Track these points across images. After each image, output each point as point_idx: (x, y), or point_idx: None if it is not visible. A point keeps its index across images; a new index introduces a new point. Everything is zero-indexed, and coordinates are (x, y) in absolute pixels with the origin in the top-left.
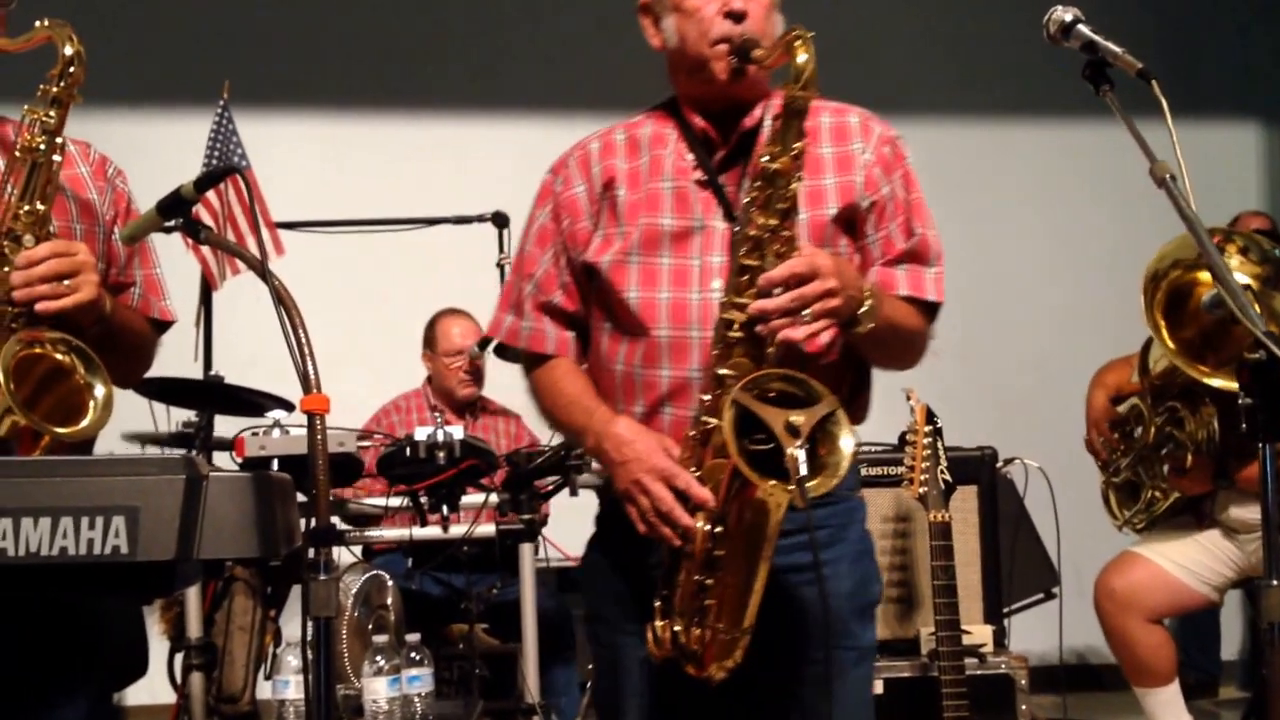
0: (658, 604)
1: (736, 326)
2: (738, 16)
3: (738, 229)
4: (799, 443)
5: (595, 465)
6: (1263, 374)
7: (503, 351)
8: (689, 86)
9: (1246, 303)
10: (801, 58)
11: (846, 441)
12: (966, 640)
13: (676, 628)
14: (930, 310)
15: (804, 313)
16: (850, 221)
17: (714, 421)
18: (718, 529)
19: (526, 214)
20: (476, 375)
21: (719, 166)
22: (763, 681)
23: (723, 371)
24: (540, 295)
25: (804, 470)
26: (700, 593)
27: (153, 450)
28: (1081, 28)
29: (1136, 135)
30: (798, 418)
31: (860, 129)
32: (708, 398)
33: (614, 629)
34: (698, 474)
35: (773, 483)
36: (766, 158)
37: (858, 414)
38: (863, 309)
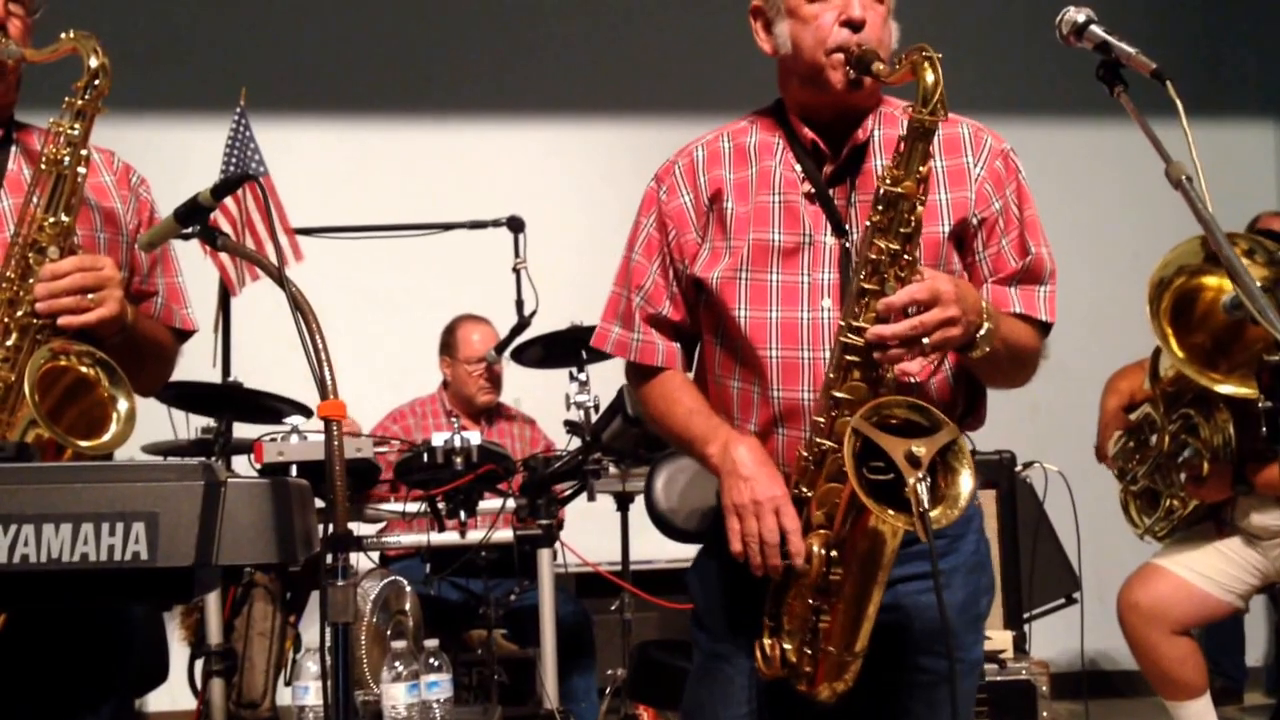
0: (767, 622)
1: (854, 350)
2: (856, 26)
3: (847, 244)
4: (920, 474)
5: (613, 470)
6: None
7: (519, 356)
8: (800, 94)
9: (1266, 304)
10: (930, 78)
11: (966, 471)
12: (987, 646)
13: (786, 646)
14: (1043, 329)
15: (924, 340)
16: (960, 237)
17: (828, 444)
18: (833, 553)
19: (630, 221)
20: (495, 381)
21: (828, 180)
22: (870, 691)
23: (838, 394)
24: (649, 307)
25: (926, 503)
26: (813, 615)
27: (173, 460)
28: (1094, 28)
29: (1151, 136)
30: (919, 448)
31: (972, 141)
32: (822, 420)
33: (716, 636)
34: (812, 496)
35: (892, 513)
36: (889, 181)
37: (975, 423)
38: (981, 332)
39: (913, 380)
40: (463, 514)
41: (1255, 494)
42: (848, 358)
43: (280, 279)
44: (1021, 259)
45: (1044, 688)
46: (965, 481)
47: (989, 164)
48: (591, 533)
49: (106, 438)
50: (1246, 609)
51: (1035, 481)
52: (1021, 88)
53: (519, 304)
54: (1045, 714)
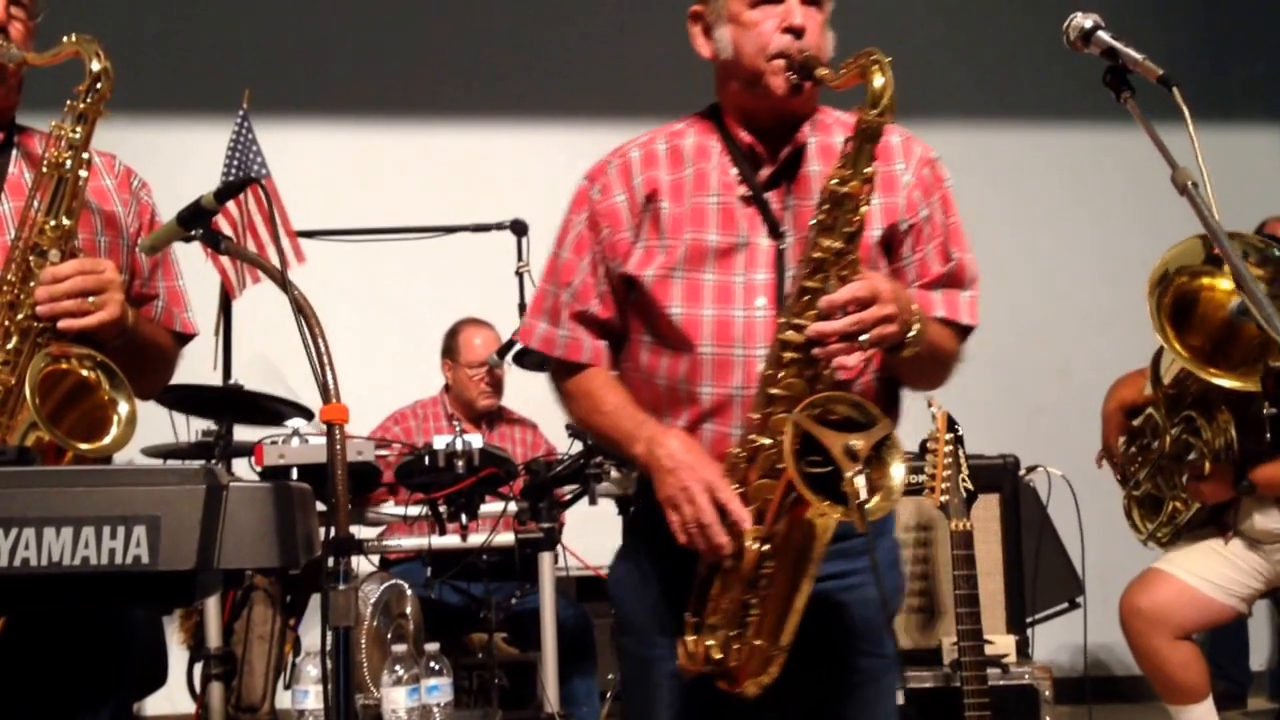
0: (689, 618)
1: (792, 347)
2: (797, 32)
3: (782, 246)
4: (858, 467)
5: (615, 474)
6: None
7: (522, 359)
8: (740, 99)
9: (1273, 311)
10: (879, 81)
11: (898, 464)
12: (989, 650)
13: (710, 642)
14: (964, 333)
15: (861, 337)
16: (889, 242)
17: (762, 440)
18: (765, 547)
19: (561, 219)
20: (497, 385)
21: (765, 183)
22: (793, 690)
23: (774, 391)
24: (576, 304)
25: (865, 495)
26: (743, 609)
27: (173, 463)
28: (1101, 34)
29: (1157, 142)
30: (857, 441)
31: (902, 149)
32: (756, 416)
33: (643, 641)
34: (742, 491)
35: (828, 504)
36: (836, 180)
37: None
38: (912, 333)
39: (840, 377)
40: (464, 517)
41: (1257, 494)
42: (786, 354)
43: (283, 282)
44: (945, 264)
45: (1046, 692)
46: (897, 473)
47: (918, 172)
48: (593, 536)
49: (107, 440)
50: (1249, 613)
51: (1039, 486)
52: (1029, 93)
53: (522, 307)
54: (1048, 718)
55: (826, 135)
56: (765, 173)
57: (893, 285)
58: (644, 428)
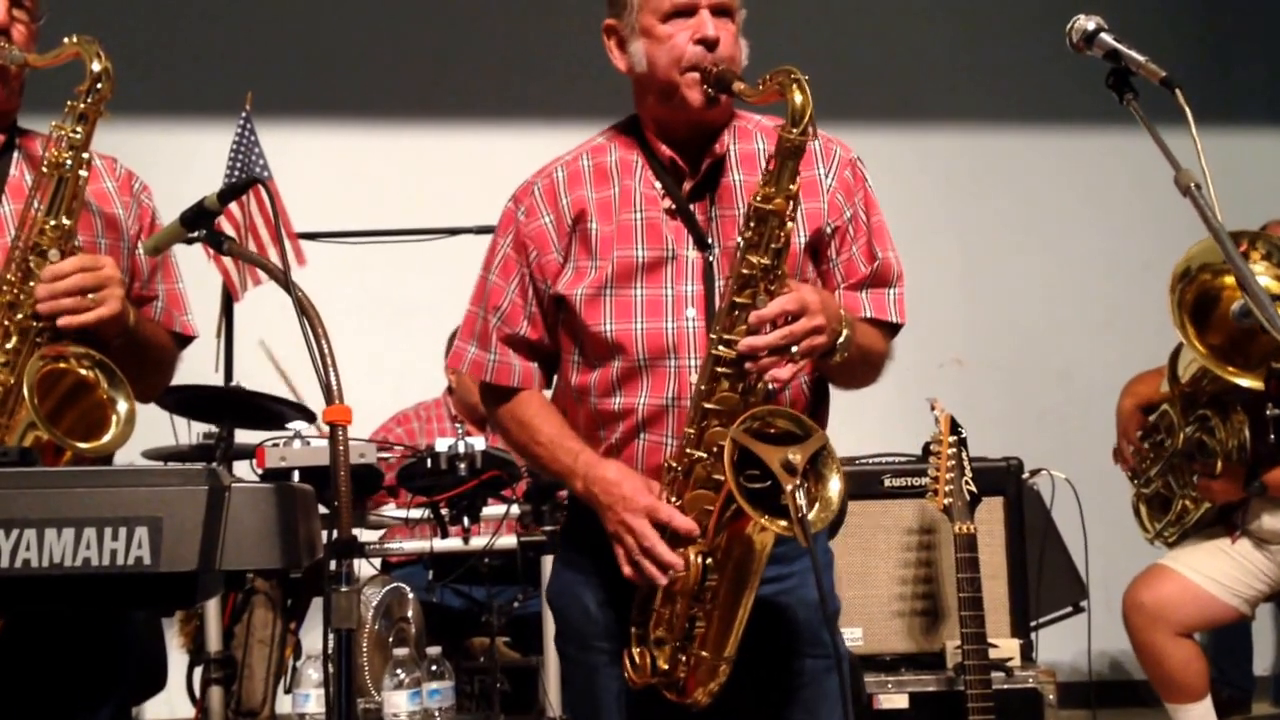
0: (634, 630)
1: (725, 362)
2: (710, 44)
3: (710, 257)
4: (796, 480)
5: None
6: None
7: None
8: (656, 111)
9: (1274, 311)
10: (798, 99)
11: (835, 476)
12: (993, 654)
13: (655, 654)
14: (892, 331)
15: (792, 349)
16: (815, 247)
17: (698, 454)
18: (709, 561)
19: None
20: None
21: (688, 196)
22: (737, 694)
23: (709, 406)
24: (505, 327)
25: (805, 508)
26: (688, 622)
27: (177, 465)
28: (1104, 36)
29: (1160, 144)
30: (795, 455)
31: (822, 153)
32: (692, 430)
33: (586, 648)
34: (679, 504)
35: (767, 518)
36: (760, 198)
37: (822, 426)
38: (840, 339)
39: (772, 388)
40: (466, 520)
41: (1267, 496)
42: (718, 369)
43: (287, 283)
44: (870, 264)
45: (1050, 696)
46: (834, 484)
47: (839, 174)
48: None
49: (105, 439)
50: (1253, 616)
51: (1043, 489)
52: (1033, 96)
53: None
54: None
55: (747, 142)
56: (687, 185)
57: (820, 295)
58: (579, 461)
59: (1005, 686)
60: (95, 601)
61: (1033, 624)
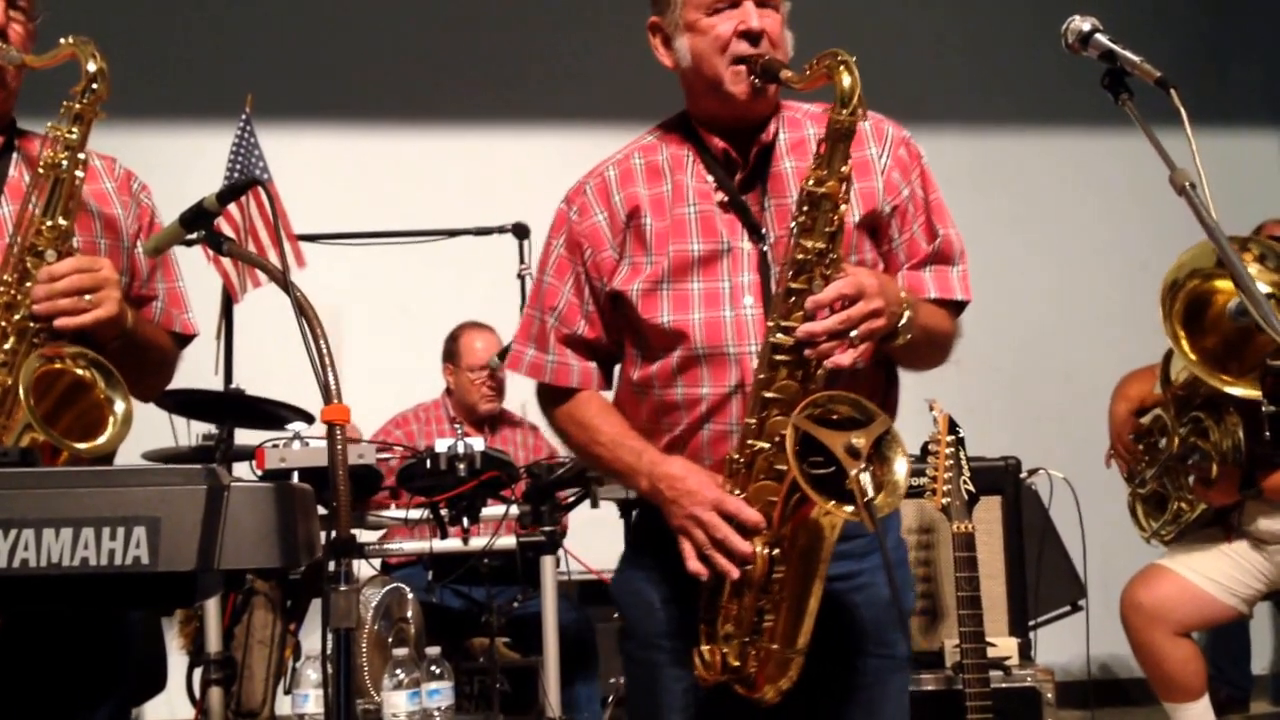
0: (703, 628)
1: (783, 350)
2: (754, 36)
3: (764, 248)
4: (861, 464)
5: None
6: None
7: None
8: (705, 105)
9: (1270, 310)
10: (847, 81)
11: (901, 464)
12: (992, 653)
13: (725, 650)
14: (958, 308)
15: (851, 334)
16: (874, 228)
17: (760, 445)
18: (775, 551)
19: (542, 242)
20: (499, 389)
21: (740, 187)
22: (805, 691)
23: (769, 395)
24: (563, 327)
25: (870, 492)
26: (758, 615)
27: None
28: (1100, 37)
29: (1155, 143)
30: (858, 439)
31: (874, 133)
32: (753, 421)
33: (648, 646)
34: (744, 496)
35: (834, 504)
36: (813, 182)
37: (890, 412)
38: (902, 321)
39: (856, 366)
40: (465, 521)
41: (1263, 498)
42: (777, 357)
43: (285, 283)
44: (931, 242)
45: (1049, 695)
46: (900, 468)
47: (893, 153)
48: (595, 540)
49: (102, 440)
50: (1250, 615)
51: (1041, 489)
52: (1032, 98)
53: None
54: None
55: (796, 130)
56: (739, 177)
57: (878, 278)
58: (643, 459)
59: (1004, 685)
60: (94, 601)
61: (1031, 623)
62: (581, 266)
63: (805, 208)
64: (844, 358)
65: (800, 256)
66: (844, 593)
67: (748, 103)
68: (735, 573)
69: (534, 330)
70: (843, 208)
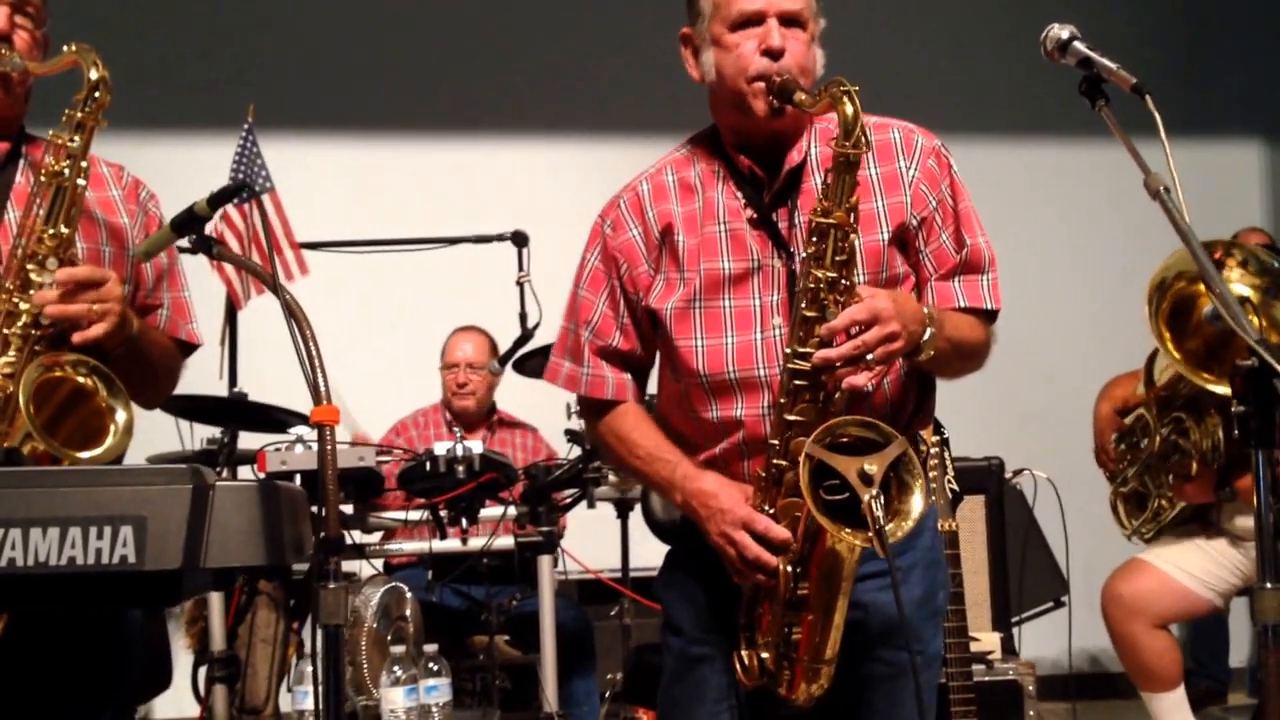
0: (743, 634)
1: (801, 375)
2: (775, 54)
3: (794, 266)
4: (874, 491)
5: (613, 478)
6: (1255, 381)
7: (522, 365)
8: (730, 120)
9: (1240, 311)
10: (849, 111)
11: (918, 485)
12: (975, 648)
13: (764, 655)
14: (990, 317)
15: (867, 358)
16: (902, 241)
17: (784, 464)
18: (798, 569)
19: (579, 257)
20: (469, 387)
21: (770, 204)
22: (834, 685)
23: (790, 417)
24: (598, 340)
25: (882, 520)
26: (785, 628)
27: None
28: (1078, 44)
29: (1131, 149)
30: (871, 465)
31: (903, 144)
32: (776, 442)
33: (691, 641)
34: (771, 512)
35: (847, 531)
36: (820, 213)
37: (924, 420)
38: (925, 338)
39: (868, 388)
40: (464, 521)
41: (1238, 498)
42: (795, 383)
43: (274, 285)
44: (960, 251)
45: (1030, 687)
46: (917, 499)
47: (922, 163)
48: (592, 540)
49: (102, 449)
50: (1227, 609)
51: (1025, 488)
52: (1013, 106)
53: (522, 317)
54: (1032, 713)
55: (829, 145)
56: (769, 195)
57: (894, 300)
58: (677, 474)
59: (986, 679)
60: (81, 600)
61: (1015, 619)
62: (617, 280)
63: (814, 238)
64: (860, 379)
65: (811, 286)
66: (876, 589)
67: (765, 120)
68: (770, 583)
69: (569, 343)
70: (852, 236)
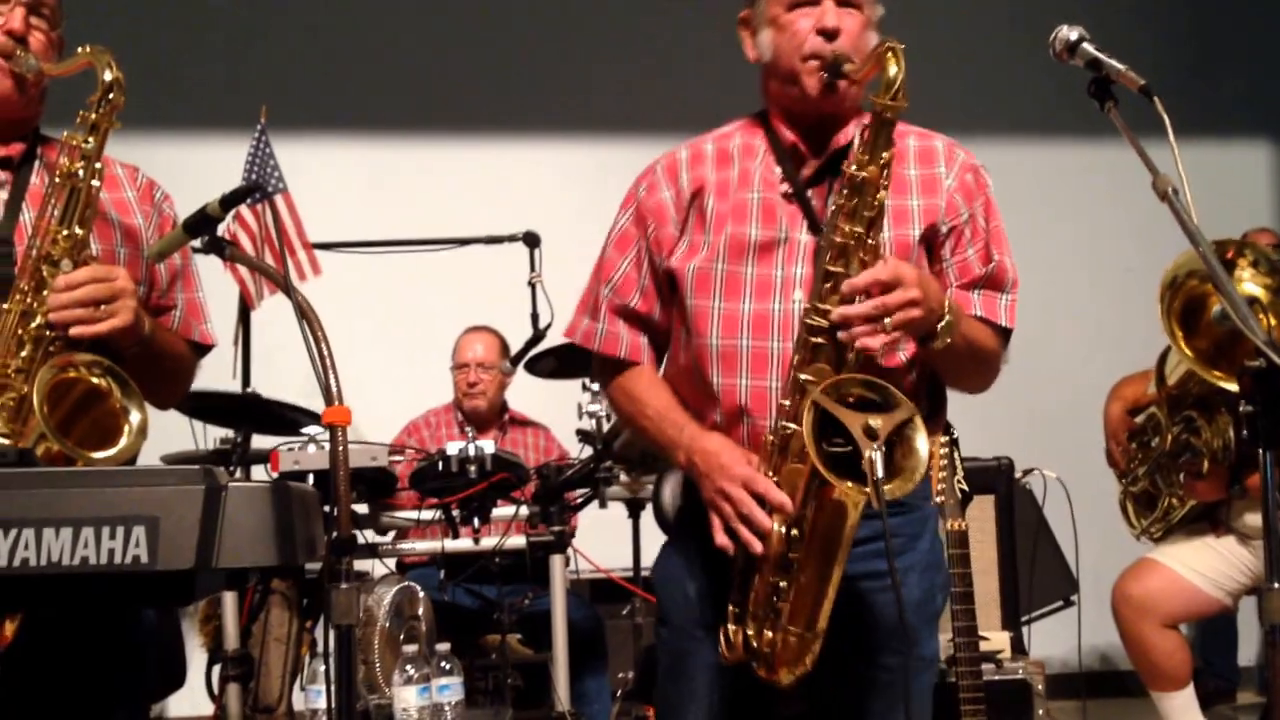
0: (731, 609)
1: (818, 332)
2: (830, 34)
3: (822, 242)
4: (876, 445)
5: (624, 478)
6: (1263, 381)
7: (533, 365)
8: (781, 98)
9: (1249, 312)
10: (893, 69)
11: (922, 445)
12: (984, 647)
13: (749, 631)
14: (1003, 335)
15: (885, 321)
16: (930, 244)
17: (793, 427)
18: (793, 532)
19: (608, 225)
20: (480, 386)
21: (808, 180)
22: (829, 686)
23: (804, 377)
24: (616, 299)
25: (880, 472)
26: (774, 595)
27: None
28: (1086, 46)
29: (1139, 150)
30: (876, 421)
31: (945, 154)
32: (788, 403)
33: (681, 633)
34: (775, 479)
35: (849, 484)
36: (854, 166)
37: (935, 427)
38: (942, 323)
39: (880, 362)
40: (477, 521)
41: (1249, 496)
42: (812, 339)
43: (286, 286)
44: (985, 265)
45: (1039, 686)
46: (921, 451)
47: (960, 176)
48: (603, 539)
49: (116, 450)
50: (1235, 608)
51: (1035, 488)
52: (1021, 106)
53: (534, 317)
54: (1041, 712)
55: None
56: (807, 171)
57: (919, 273)
58: (684, 434)
59: (995, 677)
60: (95, 600)
61: (1025, 618)
62: (644, 240)
63: (845, 191)
64: (874, 341)
65: (839, 239)
66: (876, 590)
67: (819, 99)
68: (759, 547)
69: (590, 301)
70: (881, 195)
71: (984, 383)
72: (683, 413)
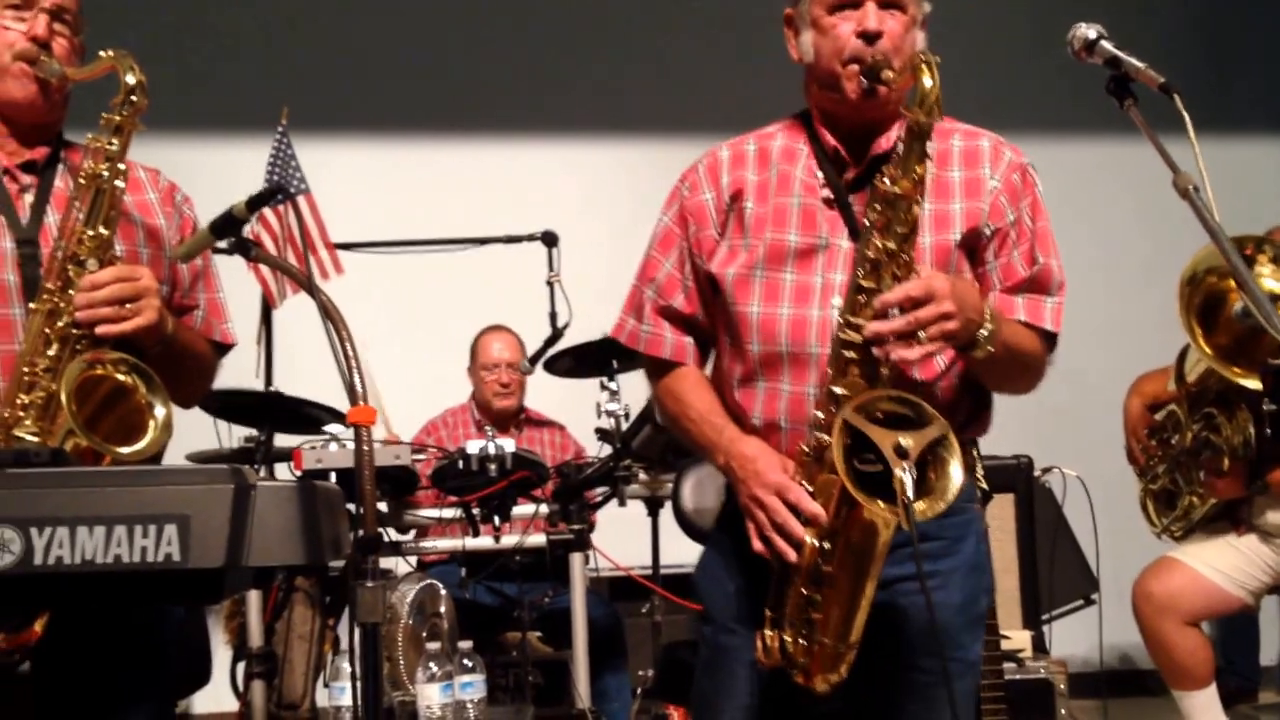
0: (768, 614)
1: (851, 347)
2: (871, 37)
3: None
4: (907, 465)
5: (643, 476)
6: None
7: (551, 365)
8: (822, 102)
9: (1271, 309)
10: (927, 82)
11: (956, 469)
12: (1005, 646)
13: (786, 637)
14: (1049, 339)
15: (920, 335)
16: (972, 248)
17: (827, 438)
18: (826, 545)
19: (653, 221)
20: (510, 386)
21: (849, 186)
22: (867, 690)
23: (837, 390)
24: (660, 299)
25: (911, 493)
26: (808, 606)
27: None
28: (1105, 44)
29: (1159, 148)
30: (907, 440)
31: (991, 154)
32: (822, 415)
33: (721, 629)
34: (810, 489)
35: (879, 504)
36: (888, 181)
37: (979, 429)
38: (983, 332)
39: (916, 375)
40: (497, 519)
41: (1269, 493)
42: (845, 354)
43: (310, 287)
44: (1030, 268)
45: (1061, 686)
46: (955, 475)
47: (1006, 176)
48: (622, 537)
49: (142, 445)
50: (1257, 606)
51: (1055, 486)
52: (1035, 104)
53: (553, 316)
54: (1063, 711)
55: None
56: (849, 176)
57: (954, 284)
58: (724, 436)
59: (1017, 677)
60: (126, 598)
61: (1045, 616)
62: (686, 241)
63: (878, 206)
64: (910, 353)
65: (872, 255)
66: (914, 593)
67: (857, 103)
68: (793, 556)
69: (636, 301)
70: (916, 209)
71: (1027, 386)
72: (724, 415)
